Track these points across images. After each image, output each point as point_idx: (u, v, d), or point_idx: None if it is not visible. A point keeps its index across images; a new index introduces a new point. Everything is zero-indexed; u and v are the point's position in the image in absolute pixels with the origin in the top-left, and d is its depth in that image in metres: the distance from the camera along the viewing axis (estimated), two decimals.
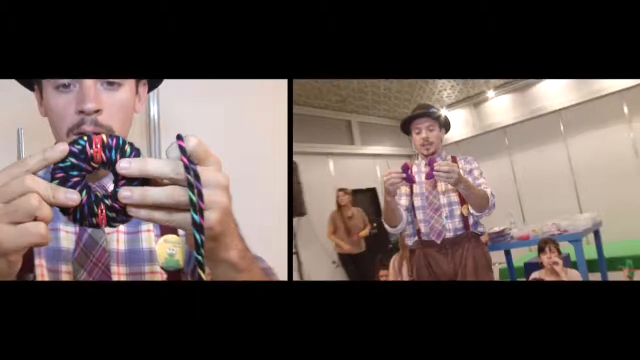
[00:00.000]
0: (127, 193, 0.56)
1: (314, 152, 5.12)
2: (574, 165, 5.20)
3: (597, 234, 3.50)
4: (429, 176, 1.61)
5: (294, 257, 4.34)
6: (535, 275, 2.71)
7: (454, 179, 1.60)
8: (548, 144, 5.38)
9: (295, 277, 4.36)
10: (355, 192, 5.27)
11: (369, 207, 5.23)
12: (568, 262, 3.06)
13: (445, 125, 1.96)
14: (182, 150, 0.56)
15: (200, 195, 0.56)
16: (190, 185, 0.55)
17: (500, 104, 5.81)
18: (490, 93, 5.75)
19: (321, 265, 4.70)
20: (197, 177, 0.56)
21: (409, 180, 1.59)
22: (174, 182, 0.57)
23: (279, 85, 1.71)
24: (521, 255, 4.09)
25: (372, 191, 5.62)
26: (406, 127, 1.97)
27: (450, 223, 1.81)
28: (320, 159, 5.24)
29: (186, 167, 0.55)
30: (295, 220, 4.34)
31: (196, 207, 0.56)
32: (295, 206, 4.26)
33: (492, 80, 5.38)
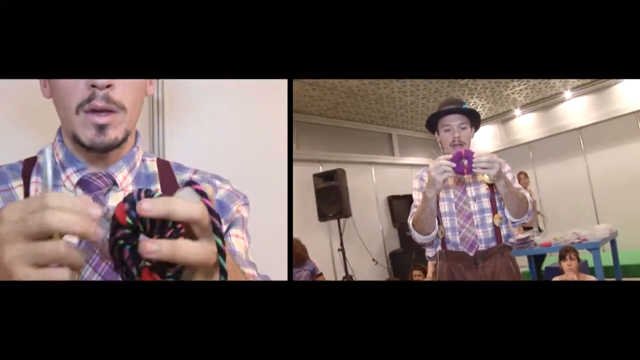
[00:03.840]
0: (153, 247, 0.48)
1: (359, 161, 5.48)
2: (593, 179, 5.42)
3: (613, 243, 3.65)
4: (470, 170, 1.40)
5: (339, 253, 4.50)
6: (556, 279, 2.83)
7: (496, 170, 1.40)
8: (569, 159, 5.63)
9: (341, 272, 4.56)
10: (393, 198, 5.66)
11: (406, 213, 5.36)
12: (586, 268, 3.29)
13: (476, 125, 1.71)
14: (202, 194, 0.52)
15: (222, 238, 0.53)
16: (216, 230, 0.52)
17: (526, 121, 6.09)
18: (517, 111, 6.03)
19: (363, 262, 4.98)
20: (219, 221, 0.53)
21: (459, 172, 1.39)
22: (200, 226, 0.52)
23: (280, 86, 1.63)
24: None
25: (408, 197, 5.88)
26: (433, 123, 1.70)
27: (481, 232, 1.58)
28: (364, 167, 5.60)
29: (210, 211, 0.52)
30: (341, 221, 4.52)
31: (223, 253, 0.53)
32: (342, 209, 4.44)
33: (519, 99, 5.67)
